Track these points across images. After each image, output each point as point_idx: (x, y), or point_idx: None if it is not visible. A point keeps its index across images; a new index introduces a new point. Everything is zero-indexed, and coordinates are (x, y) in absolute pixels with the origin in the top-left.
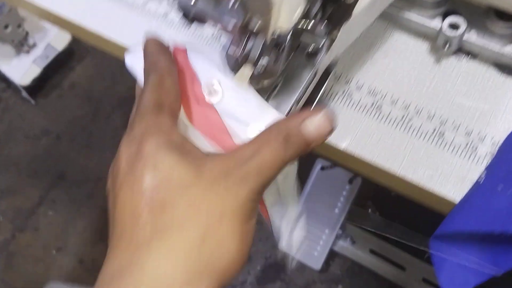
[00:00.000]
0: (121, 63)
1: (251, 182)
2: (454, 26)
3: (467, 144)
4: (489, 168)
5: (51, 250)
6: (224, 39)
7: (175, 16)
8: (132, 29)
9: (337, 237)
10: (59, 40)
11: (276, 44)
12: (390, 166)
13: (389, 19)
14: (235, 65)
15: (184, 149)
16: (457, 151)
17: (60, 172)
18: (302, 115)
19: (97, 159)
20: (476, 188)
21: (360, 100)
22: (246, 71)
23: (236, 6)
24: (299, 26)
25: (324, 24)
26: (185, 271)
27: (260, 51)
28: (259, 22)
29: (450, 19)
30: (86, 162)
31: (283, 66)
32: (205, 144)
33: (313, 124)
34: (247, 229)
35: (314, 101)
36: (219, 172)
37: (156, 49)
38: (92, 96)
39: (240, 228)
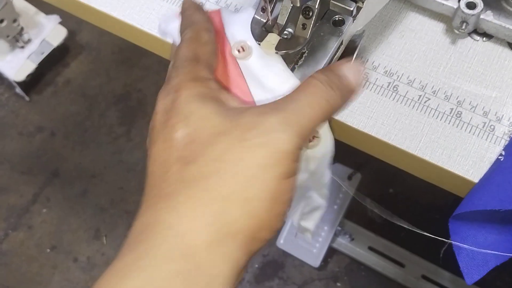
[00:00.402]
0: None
1: (294, 126)
2: (470, 6)
3: (484, 124)
4: (508, 148)
5: (45, 249)
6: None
7: None
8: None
9: (336, 234)
10: (55, 35)
11: (305, 10)
12: (407, 146)
13: None
14: (261, 32)
15: (220, 99)
16: (474, 131)
17: (54, 169)
18: (337, 63)
19: (91, 156)
20: (496, 167)
21: (376, 80)
22: (273, 37)
23: None
24: None
25: None
26: (209, 231)
27: (288, 17)
28: None
29: None
30: (81, 160)
31: (310, 33)
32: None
33: (351, 70)
34: (284, 187)
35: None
36: (256, 120)
37: (193, 8)
38: (86, 93)
39: (275, 186)
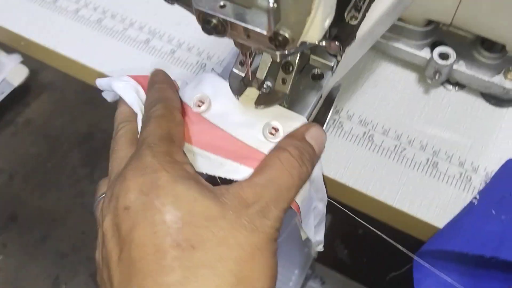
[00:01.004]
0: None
1: (274, 211)
2: (444, 56)
3: (461, 175)
4: (482, 193)
5: None
6: (210, 66)
7: (158, 42)
8: (111, 56)
9: (307, 278)
10: (16, 75)
11: (284, 65)
12: (385, 197)
13: (377, 49)
14: (240, 86)
15: (200, 180)
16: (451, 182)
17: (11, 213)
18: (300, 130)
19: (52, 199)
20: (468, 210)
21: (351, 130)
22: (252, 92)
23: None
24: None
25: (337, 42)
26: None
27: (267, 72)
28: (288, 33)
29: (440, 49)
30: (41, 203)
31: (290, 88)
32: (209, 157)
33: (319, 139)
34: (276, 261)
35: (323, 125)
36: (240, 204)
37: (166, 82)
38: (48, 133)
39: (271, 262)
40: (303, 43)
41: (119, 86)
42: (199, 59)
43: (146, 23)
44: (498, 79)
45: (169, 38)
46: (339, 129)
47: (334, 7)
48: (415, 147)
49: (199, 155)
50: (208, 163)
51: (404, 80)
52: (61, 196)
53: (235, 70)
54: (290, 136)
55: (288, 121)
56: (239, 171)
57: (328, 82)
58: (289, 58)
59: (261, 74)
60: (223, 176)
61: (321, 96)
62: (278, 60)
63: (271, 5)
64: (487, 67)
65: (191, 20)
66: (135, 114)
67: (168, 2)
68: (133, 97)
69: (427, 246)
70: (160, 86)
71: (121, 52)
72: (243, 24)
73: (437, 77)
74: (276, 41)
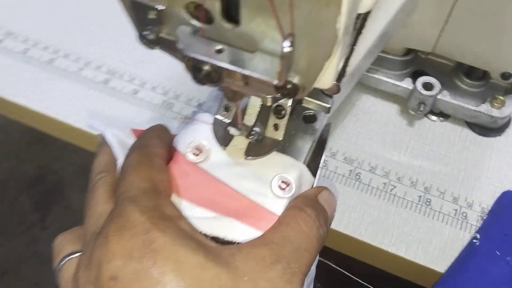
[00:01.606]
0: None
1: (299, 275)
2: (427, 87)
3: (456, 212)
4: (482, 231)
5: None
6: (178, 106)
7: (118, 82)
8: (66, 99)
9: None
10: None
11: (276, 109)
12: (380, 242)
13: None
14: (225, 134)
15: (198, 240)
16: (447, 221)
17: None
18: (312, 191)
19: (2, 250)
20: (470, 252)
21: (337, 169)
22: (240, 141)
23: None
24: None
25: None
26: None
27: (257, 117)
28: (299, 80)
29: (423, 79)
30: None
31: (284, 132)
32: (205, 215)
33: (324, 197)
34: None
35: (317, 169)
36: (258, 265)
37: (153, 129)
38: None
39: None
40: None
41: (108, 133)
42: (166, 98)
43: (104, 62)
44: (485, 107)
45: (130, 78)
46: (323, 169)
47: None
48: (405, 184)
49: (193, 212)
50: (205, 222)
51: (386, 113)
52: (12, 246)
53: (219, 117)
54: (303, 196)
55: (292, 171)
56: (243, 233)
57: (322, 124)
58: (281, 102)
59: (249, 120)
60: (222, 236)
61: (314, 140)
62: (269, 104)
63: (286, 49)
64: (471, 95)
65: (154, 57)
66: (115, 164)
67: (147, 46)
68: (118, 142)
69: None
70: (144, 134)
71: (78, 95)
72: (245, 72)
73: (421, 108)
74: (283, 89)
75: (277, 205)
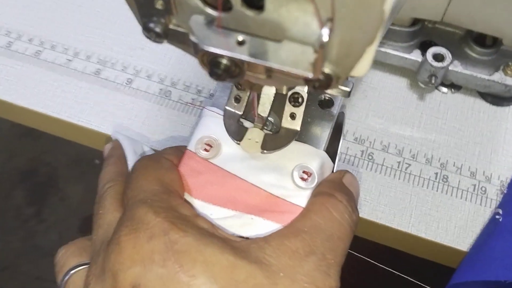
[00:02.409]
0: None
1: (335, 266)
2: (438, 58)
3: (474, 187)
4: (504, 206)
5: None
6: (176, 93)
7: (110, 72)
8: (56, 94)
9: None
10: None
11: (292, 97)
12: (398, 224)
13: None
14: (238, 128)
15: (224, 236)
16: (466, 196)
17: None
18: (335, 175)
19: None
20: (494, 230)
21: (348, 150)
22: (255, 133)
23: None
24: None
25: None
26: None
27: (271, 107)
28: (333, 70)
29: (433, 50)
30: None
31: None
32: (223, 214)
33: (348, 180)
34: None
35: (335, 155)
36: (291, 259)
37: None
38: None
39: None
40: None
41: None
42: (162, 86)
43: (94, 52)
44: (498, 76)
45: (123, 66)
46: None
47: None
48: (420, 161)
49: (210, 212)
50: (224, 221)
51: (394, 88)
52: (9, 241)
53: (229, 108)
54: (328, 181)
55: (313, 160)
56: (267, 230)
57: (339, 109)
58: (297, 88)
59: (264, 111)
60: (245, 236)
61: (332, 126)
62: (285, 92)
63: (324, 38)
64: (483, 64)
65: (147, 43)
66: (124, 175)
67: (154, 40)
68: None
69: (457, 278)
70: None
71: (68, 88)
72: (274, 65)
73: (433, 80)
74: (315, 82)
75: (300, 197)
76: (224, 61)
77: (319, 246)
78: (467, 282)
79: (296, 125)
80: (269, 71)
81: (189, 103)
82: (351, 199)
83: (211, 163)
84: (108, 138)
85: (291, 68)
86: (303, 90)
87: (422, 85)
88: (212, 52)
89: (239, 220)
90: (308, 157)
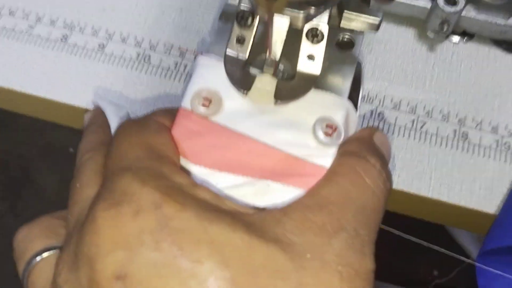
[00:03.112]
0: None
1: (370, 244)
2: (449, 2)
3: (497, 143)
4: None
5: None
6: (156, 57)
7: (79, 38)
8: (19, 65)
9: None
10: None
11: (310, 33)
12: (417, 188)
13: None
14: (245, 75)
15: (231, 208)
16: (489, 154)
17: None
18: (365, 132)
19: None
20: None
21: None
22: (265, 80)
23: None
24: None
25: None
26: None
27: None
28: None
29: None
30: None
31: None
32: (232, 181)
33: (380, 139)
34: None
35: (356, 107)
36: (318, 236)
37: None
38: None
39: None
40: None
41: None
42: (140, 50)
43: (59, 15)
44: None
45: (93, 30)
46: None
47: None
48: (435, 118)
49: (216, 180)
50: (234, 190)
51: (402, 39)
52: None
53: (231, 52)
54: (358, 139)
55: (337, 111)
56: (287, 197)
57: (360, 50)
58: (314, 23)
59: (275, 52)
60: (262, 206)
61: (354, 71)
62: (301, 24)
63: None
64: (498, 8)
65: (118, 2)
66: (107, 143)
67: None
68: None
69: (488, 245)
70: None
71: (32, 57)
72: None
73: (444, 28)
74: None
75: (325, 156)
76: None
77: (350, 220)
78: (502, 248)
79: (316, 68)
80: None
81: (183, 49)
82: (385, 164)
83: (213, 121)
84: (83, 112)
85: None
86: (323, 22)
87: (432, 35)
88: None
89: (252, 187)
90: (332, 107)
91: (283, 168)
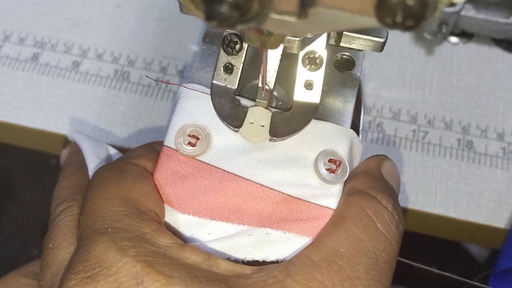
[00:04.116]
0: None
1: None
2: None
3: (504, 150)
4: None
5: None
6: (135, 74)
7: (51, 56)
8: None
9: None
10: None
11: (307, 57)
12: (423, 205)
13: None
14: (234, 108)
15: (223, 271)
16: (495, 164)
17: None
18: (372, 164)
19: None
20: None
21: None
22: (258, 114)
23: None
24: None
25: None
26: None
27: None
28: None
29: None
30: None
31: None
32: (226, 231)
33: (388, 170)
34: None
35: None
36: None
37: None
38: None
39: None
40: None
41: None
42: (117, 67)
43: (28, 32)
44: None
45: (66, 47)
46: None
47: None
48: (438, 127)
49: (206, 231)
50: (229, 242)
51: (398, 43)
52: None
53: (218, 83)
54: (365, 173)
55: (340, 142)
56: (290, 246)
57: (361, 70)
58: (312, 47)
59: (269, 81)
60: (261, 259)
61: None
62: (297, 51)
63: None
64: (497, 7)
65: (92, 14)
66: (84, 189)
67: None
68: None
69: (501, 264)
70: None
71: (1, 80)
72: None
73: (443, 29)
74: (401, 12)
75: (330, 196)
76: None
77: (362, 278)
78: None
79: (315, 96)
80: (309, 3)
81: (159, 80)
82: (396, 202)
83: (201, 161)
84: (59, 138)
85: None
86: (321, 46)
87: (429, 37)
88: None
89: (250, 237)
90: (334, 139)
91: (283, 212)
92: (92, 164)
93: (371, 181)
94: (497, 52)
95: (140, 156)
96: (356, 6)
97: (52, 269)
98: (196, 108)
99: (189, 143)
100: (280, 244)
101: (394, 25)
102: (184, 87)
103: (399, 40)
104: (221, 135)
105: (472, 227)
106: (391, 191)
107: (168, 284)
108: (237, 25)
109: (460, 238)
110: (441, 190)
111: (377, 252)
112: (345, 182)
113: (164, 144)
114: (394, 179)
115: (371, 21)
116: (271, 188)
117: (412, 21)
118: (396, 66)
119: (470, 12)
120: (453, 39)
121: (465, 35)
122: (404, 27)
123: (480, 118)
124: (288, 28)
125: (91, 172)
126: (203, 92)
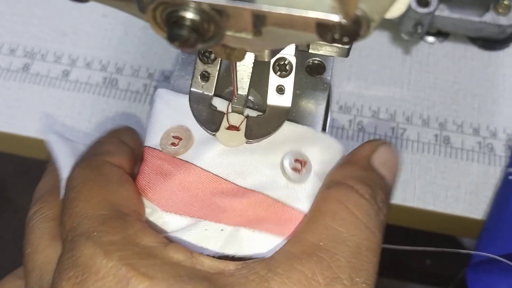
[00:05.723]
0: None
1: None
2: (422, 3)
3: (480, 145)
4: None
5: None
6: (124, 82)
7: (42, 66)
8: None
9: None
10: None
11: (277, 64)
12: (403, 199)
13: None
14: (211, 114)
15: (207, 268)
16: (472, 157)
17: None
18: (362, 152)
19: None
20: (510, 194)
21: (333, 122)
22: (235, 119)
23: None
24: None
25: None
26: None
27: (250, 81)
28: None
29: None
30: None
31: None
32: (201, 227)
33: (381, 157)
34: None
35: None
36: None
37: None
38: None
39: None
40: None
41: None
42: (106, 75)
43: (19, 43)
44: (490, 17)
45: (56, 57)
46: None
47: None
48: (415, 124)
49: (182, 225)
50: (199, 236)
51: (376, 44)
52: None
53: (195, 90)
54: (349, 163)
55: (308, 143)
56: (260, 245)
57: (331, 74)
58: (283, 53)
59: (242, 87)
60: (231, 254)
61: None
62: (267, 59)
63: None
64: (471, 5)
65: (80, 24)
66: (55, 189)
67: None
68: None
69: (478, 256)
70: (99, 140)
71: None
72: (278, 10)
73: (418, 30)
74: (338, 29)
75: (295, 196)
76: (190, 14)
77: (343, 267)
78: (492, 258)
79: (286, 100)
80: (260, 24)
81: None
82: (378, 189)
83: (182, 159)
84: None
85: (305, 11)
86: (290, 54)
87: (406, 37)
88: (168, 2)
89: (226, 235)
90: (302, 140)
91: (257, 212)
92: (63, 161)
93: (352, 171)
94: (473, 50)
95: (114, 153)
96: (301, 25)
97: (35, 274)
98: (176, 111)
99: (172, 144)
100: (250, 242)
101: (333, 41)
102: (160, 90)
103: (378, 41)
104: (202, 134)
105: (451, 219)
106: (372, 178)
107: (152, 286)
108: (197, 45)
109: (440, 230)
110: (420, 185)
111: (358, 241)
112: (328, 174)
113: (145, 145)
114: (387, 166)
115: (315, 37)
116: (246, 188)
117: (347, 38)
118: (375, 66)
119: (444, 12)
120: (430, 38)
121: (441, 34)
122: (342, 43)
123: (456, 114)
124: (247, 44)
125: (62, 170)
126: (182, 96)
